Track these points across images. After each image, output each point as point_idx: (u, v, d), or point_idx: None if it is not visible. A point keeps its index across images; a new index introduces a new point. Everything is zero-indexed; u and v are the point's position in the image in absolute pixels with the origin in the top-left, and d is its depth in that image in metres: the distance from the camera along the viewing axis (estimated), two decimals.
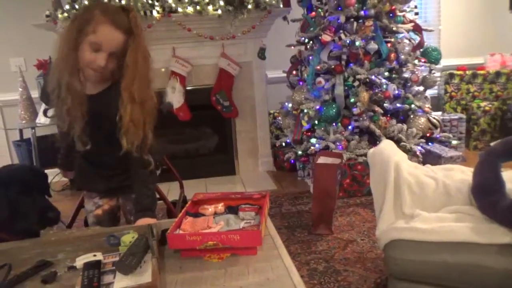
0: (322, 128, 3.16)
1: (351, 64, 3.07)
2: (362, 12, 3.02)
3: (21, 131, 3.50)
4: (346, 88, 3.08)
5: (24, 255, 1.07)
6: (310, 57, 3.22)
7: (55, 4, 3.13)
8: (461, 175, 1.69)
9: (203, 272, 1.01)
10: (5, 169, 1.45)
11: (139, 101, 1.26)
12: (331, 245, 2.34)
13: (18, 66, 3.66)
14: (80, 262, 1.02)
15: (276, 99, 3.78)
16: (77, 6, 3.04)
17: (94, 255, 1.03)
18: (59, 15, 3.04)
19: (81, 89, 1.28)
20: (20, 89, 3.38)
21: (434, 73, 3.33)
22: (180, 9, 3.10)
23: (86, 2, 3.01)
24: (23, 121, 3.39)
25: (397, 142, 2.92)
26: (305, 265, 2.13)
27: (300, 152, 3.28)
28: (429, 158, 3.08)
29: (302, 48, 3.54)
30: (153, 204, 1.37)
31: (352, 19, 3.05)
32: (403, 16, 3.20)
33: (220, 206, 1.30)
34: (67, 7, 3.07)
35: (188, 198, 2.51)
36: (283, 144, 3.62)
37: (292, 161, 3.46)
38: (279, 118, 3.87)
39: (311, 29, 3.29)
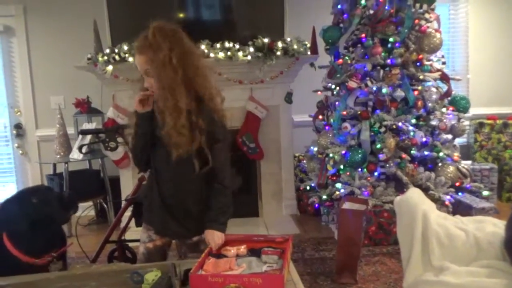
0: (348, 173, 3.14)
1: (378, 111, 3.09)
2: (388, 61, 3.07)
3: (54, 165, 3.64)
4: (372, 134, 3.08)
5: None
6: (337, 103, 3.26)
7: (96, 48, 3.36)
8: (493, 228, 1.63)
9: None
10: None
11: (171, 110, 1.36)
12: None
13: (57, 104, 3.88)
14: None
15: (302, 143, 3.81)
16: (116, 50, 3.25)
17: None
18: (100, 59, 3.25)
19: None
20: (58, 126, 3.56)
21: (462, 121, 3.29)
22: (212, 54, 3.26)
23: (126, 48, 3.21)
24: (58, 156, 3.54)
25: (425, 190, 2.84)
26: None
27: (324, 197, 3.24)
28: (459, 209, 2.97)
29: (329, 93, 3.60)
30: (221, 215, 1.40)
31: (378, 67, 3.11)
32: (430, 65, 3.23)
33: (243, 248, 1.30)
34: (107, 51, 3.28)
35: None
36: (308, 187, 3.60)
37: (316, 205, 3.41)
38: (304, 161, 3.87)
39: (338, 75, 3.36)
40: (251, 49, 3.29)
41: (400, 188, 3.01)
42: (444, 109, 3.22)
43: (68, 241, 1.68)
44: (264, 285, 1.03)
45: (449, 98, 3.28)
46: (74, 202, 1.58)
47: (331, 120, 3.31)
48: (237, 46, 3.32)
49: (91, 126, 3.66)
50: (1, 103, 4.06)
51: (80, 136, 3.51)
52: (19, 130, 4.04)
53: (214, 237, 1.31)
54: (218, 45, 3.30)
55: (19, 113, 4.05)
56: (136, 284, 1.11)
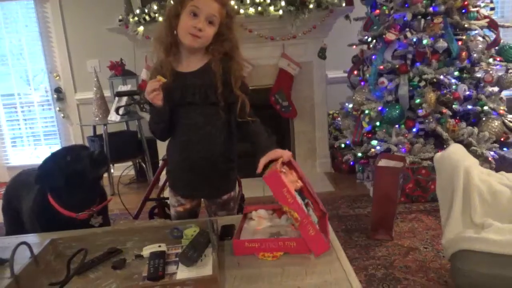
0: (384, 130, 3.05)
1: (418, 64, 2.93)
2: (430, 9, 2.87)
3: (94, 127, 3.77)
4: (411, 88, 2.95)
5: (98, 242, 1.16)
6: (373, 57, 3.13)
7: (127, 10, 3.35)
8: None
9: (261, 269, 1.02)
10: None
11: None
12: (391, 251, 2.25)
13: (93, 67, 3.96)
14: (146, 251, 1.08)
15: (336, 100, 3.72)
16: (146, 10, 3.22)
17: (159, 246, 1.09)
18: (130, 19, 3.25)
19: (173, 66, 1.40)
20: (95, 89, 3.65)
21: (511, 72, 3.07)
22: (242, 11, 3.16)
23: (155, 7, 3.17)
24: (97, 118, 3.66)
25: (467, 146, 2.73)
26: (362, 270, 2.08)
27: (359, 154, 3.19)
28: (504, 165, 2.84)
29: (365, 47, 3.44)
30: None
31: (419, 16, 2.91)
32: (477, 11, 2.99)
33: (299, 183, 1.22)
34: (137, 11, 3.26)
35: (246, 197, 2.56)
36: (342, 145, 3.55)
37: (351, 163, 3.38)
38: (339, 119, 3.80)
39: (375, 27, 3.19)
40: (283, 3, 3.17)
41: (440, 144, 2.91)
42: (490, 60, 3.01)
43: (108, 198, 1.75)
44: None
45: (496, 47, 3.05)
46: (102, 160, 1.62)
47: (367, 75, 3.19)
48: (268, 1, 3.20)
49: (126, 88, 3.73)
50: (41, 68, 4.20)
51: (117, 98, 3.59)
52: (59, 94, 4.19)
53: (283, 151, 1.33)
54: (248, 0, 3.20)
55: (58, 77, 4.18)
56: (176, 239, 1.15)
